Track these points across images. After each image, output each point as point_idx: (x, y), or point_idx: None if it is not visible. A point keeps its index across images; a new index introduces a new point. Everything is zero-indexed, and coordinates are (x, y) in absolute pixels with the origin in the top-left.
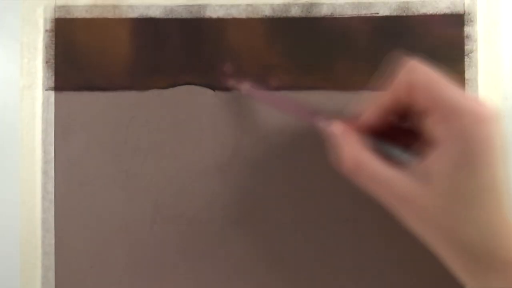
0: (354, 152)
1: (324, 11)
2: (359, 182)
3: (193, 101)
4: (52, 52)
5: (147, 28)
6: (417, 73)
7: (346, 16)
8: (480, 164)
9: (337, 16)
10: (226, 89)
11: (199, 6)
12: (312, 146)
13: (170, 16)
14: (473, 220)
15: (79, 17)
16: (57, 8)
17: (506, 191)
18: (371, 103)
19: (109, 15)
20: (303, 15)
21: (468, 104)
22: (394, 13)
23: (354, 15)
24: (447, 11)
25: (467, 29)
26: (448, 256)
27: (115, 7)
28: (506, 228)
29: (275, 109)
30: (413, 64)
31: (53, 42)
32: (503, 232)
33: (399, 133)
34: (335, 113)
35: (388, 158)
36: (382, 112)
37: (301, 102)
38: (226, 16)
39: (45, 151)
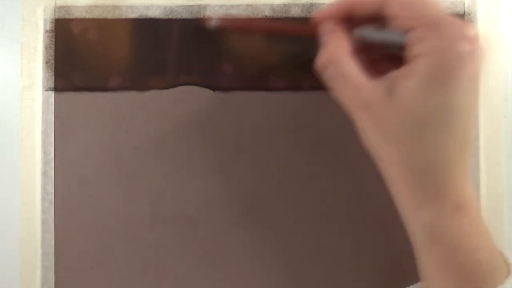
0: (332, 48)
1: None
2: (328, 79)
3: (193, 101)
4: (52, 53)
5: (147, 29)
6: None
7: None
8: (453, 81)
9: None
10: (226, 89)
11: (199, 6)
12: (312, 146)
13: (170, 16)
14: (433, 143)
15: (79, 17)
16: (57, 8)
17: (474, 119)
18: None
19: (109, 15)
20: (303, 15)
21: (451, 19)
22: None
23: None
24: (447, 11)
25: None
26: (395, 178)
27: (115, 7)
28: (464, 167)
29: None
30: None
31: (53, 42)
32: (459, 168)
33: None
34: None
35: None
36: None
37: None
38: (226, 16)
39: (45, 152)
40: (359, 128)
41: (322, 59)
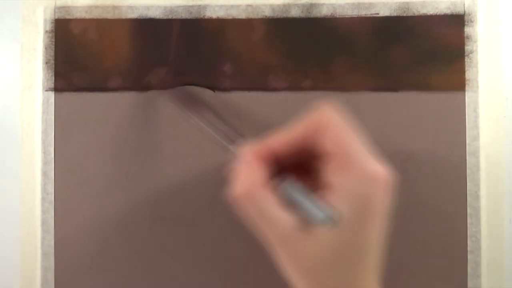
0: (248, 181)
1: (324, 12)
2: (244, 212)
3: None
4: (52, 53)
5: (147, 29)
6: (329, 117)
7: (346, 16)
8: (363, 222)
9: (337, 17)
10: (226, 89)
11: (199, 6)
12: None
13: (170, 17)
14: (342, 277)
15: (79, 17)
16: (57, 9)
17: (377, 257)
18: (279, 132)
19: (109, 15)
20: (303, 15)
21: (366, 161)
22: (394, 14)
23: (354, 16)
24: (447, 11)
25: (467, 30)
26: None
27: (115, 7)
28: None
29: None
30: (328, 108)
31: (53, 43)
32: None
33: (302, 172)
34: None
35: (286, 196)
36: (288, 143)
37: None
38: (226, 17)
39: (45, 152)
40: (276, 260)
41: (237, 192)
